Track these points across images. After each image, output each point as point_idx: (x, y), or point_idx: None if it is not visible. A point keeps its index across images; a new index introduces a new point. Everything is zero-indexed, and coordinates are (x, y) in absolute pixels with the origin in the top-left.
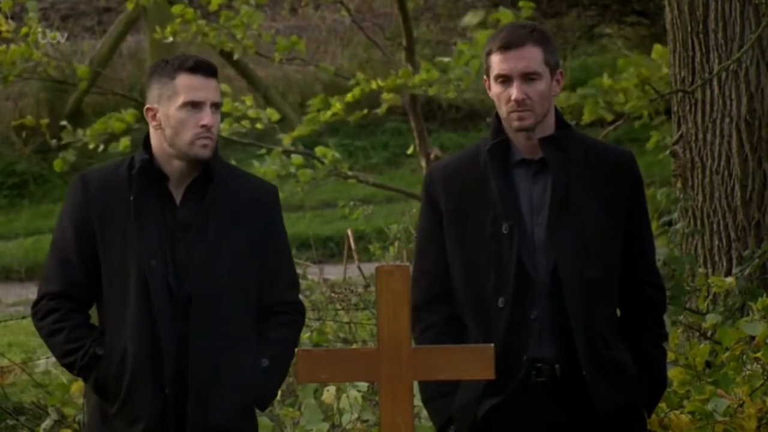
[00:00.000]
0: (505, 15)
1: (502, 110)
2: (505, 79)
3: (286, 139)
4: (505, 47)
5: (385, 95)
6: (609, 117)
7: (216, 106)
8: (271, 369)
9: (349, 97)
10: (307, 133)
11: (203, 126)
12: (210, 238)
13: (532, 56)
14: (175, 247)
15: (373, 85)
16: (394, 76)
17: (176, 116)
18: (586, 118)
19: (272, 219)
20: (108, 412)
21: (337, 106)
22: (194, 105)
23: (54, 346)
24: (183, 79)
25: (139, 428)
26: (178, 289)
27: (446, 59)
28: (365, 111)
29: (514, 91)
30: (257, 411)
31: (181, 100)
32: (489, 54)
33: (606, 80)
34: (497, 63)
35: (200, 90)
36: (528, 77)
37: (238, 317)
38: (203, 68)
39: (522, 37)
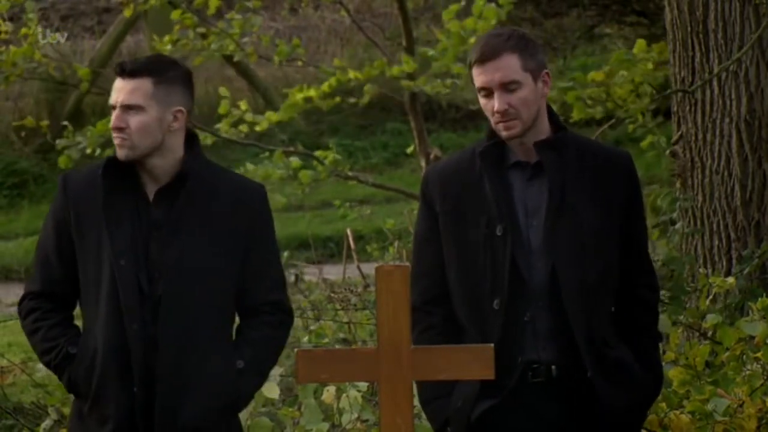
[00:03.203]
0: (489, 11)
1: (491, 120)
2: (487, 92)
3: (263, 123)
4: (482, 60)
5: (366, 88)
6: (598, 115)
7: (130, 108)
8: (248, 370)
9: (325, 86)
10: (286, 119)
11: (112, 128)
12: (183, 237)
13: (508, 65)
14: (149, 246)
15: (351, 75)
16: (370, 66)
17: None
18: (575, 116)
19: (256, 218)
20: (83, 410)
21: (311, 92)
22: (113, 107)
23: (34, 345)
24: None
25: (108, 428)
26: (150, 289)
27: (430, 51)
28: (338, 99)
29: (495, 103)
30: (260, 411)
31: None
32: (470, 67)
33: (592, 75)
34: (477, 76)
35: (114, 92)
36: (507, 87)
37: (212, 318)
38: (124, 70)
39: (497, 48)
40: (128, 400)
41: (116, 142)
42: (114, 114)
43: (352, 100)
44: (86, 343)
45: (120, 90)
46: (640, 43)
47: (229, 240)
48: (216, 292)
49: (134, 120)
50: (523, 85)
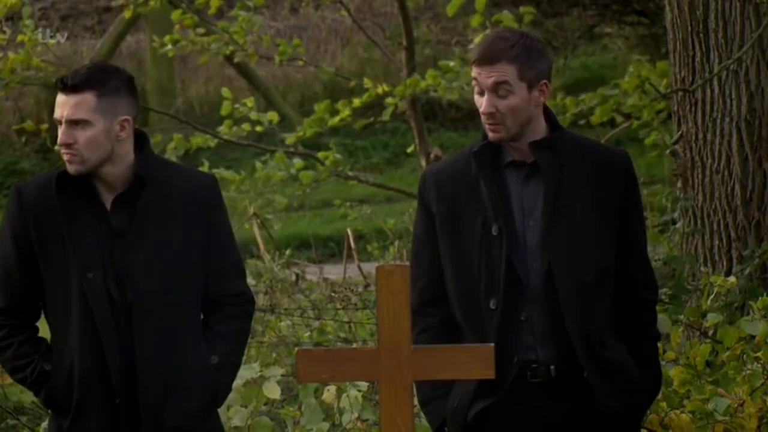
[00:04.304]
0: (507, 18)
1: (482, 118)
2: (480, 89)
3: (290, 139)
4: (479, 62)
5: (389, 100)
6: (620, 119)
7: (75, 123)
8: (223, 364)
9: (357, 102)
10: (311, 135)
11: (60, 144)
12: (146, 242)
13: (503, 73)
14: (113, 255)
15: (380, 90)
16: (404, 84)
17: None
18: (596, 119)
19: (211, 211)
20: (62, 426)
21: (345, 112)
22: (59, 123)
23: (4, 363)
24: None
25: None
26: (121, 298)
27: (452, 63)
28: (372, 119)
29: (483, 103)
30: (260, 411)
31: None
32: (471, 63)
33: (625, 81)
34: (473, 73)
35: (57, 108)
36: (498, 92)
37: (184, 319)
38: (65, 85)
39: (495, 54)
40: (110, 412)
41: (66, 158)
42: (60, 130)
43: (381, 118)
44: (61, 358)
45: (63, 105)
46: (662, 64)
47: (189, 237)
48: (185, 292)
49: (82, 135)
50: (514, 93)
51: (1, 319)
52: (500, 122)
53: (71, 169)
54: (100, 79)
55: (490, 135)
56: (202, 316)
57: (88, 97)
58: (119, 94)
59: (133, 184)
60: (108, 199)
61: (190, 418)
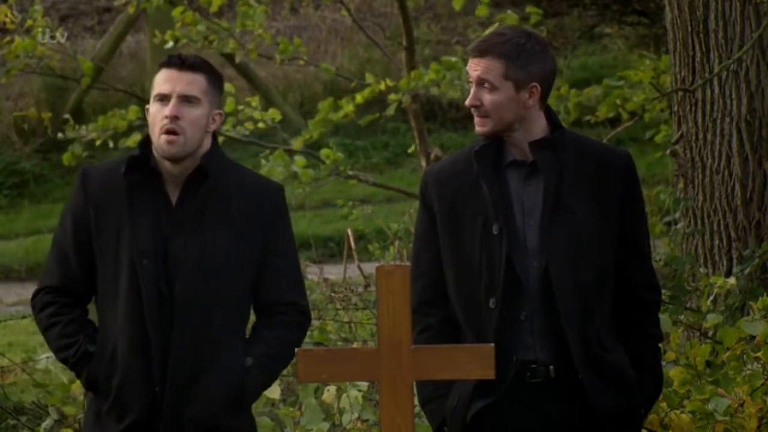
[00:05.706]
0: (511, 18)
1: None
2: (472, 82)
3: (297, 143)
4: (472, 53)
5: (392, 96)
6: (625, 115)
7: (187, 99)
8: (257, 367)
9: (359, 98)
10: (318, 137)
11: (166, 117)
12: (202, 236)
13: (488, 68)
14: (169, 246)
15: (382, 87)
16: (408, 77)
17: (151, 111)
18: (602, 114)
19: (273, 218)
20: (101, 408)
21: (348, 107)
22: (162, 98)
23: (49, 340)
24: (159, 74)
25: (125, 424)
26: (169, 290)
27: (453, 59)
28: (377, 114)
29: (470, 95)
30: (260, 411)
31: (153, 93)
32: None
33: (632, 72)
34: (468, 65)
35: (167, 82)
36: (482, 85)
37: (225, 317)
38: (178, 62)
39: (487, 48)
40: (150, 400)
41: (168, 139)
42: (170, 103)
43: (385, 113)
44: (104, 341)
45: (176, 81)
46: (665, 59)
47: (246, 238)
48: (231, 291)
49: (189, 112)
50: (498, 90)
51: (51, 297)
52: (485, 115)
53: (171, 150)
54: (211, 67)
55: (476, 128)
56: (254, 320)
57: (202, 79)
58: (219, 88)
59: (198, 176)
60: (171, 190)
61: (211, 414)
